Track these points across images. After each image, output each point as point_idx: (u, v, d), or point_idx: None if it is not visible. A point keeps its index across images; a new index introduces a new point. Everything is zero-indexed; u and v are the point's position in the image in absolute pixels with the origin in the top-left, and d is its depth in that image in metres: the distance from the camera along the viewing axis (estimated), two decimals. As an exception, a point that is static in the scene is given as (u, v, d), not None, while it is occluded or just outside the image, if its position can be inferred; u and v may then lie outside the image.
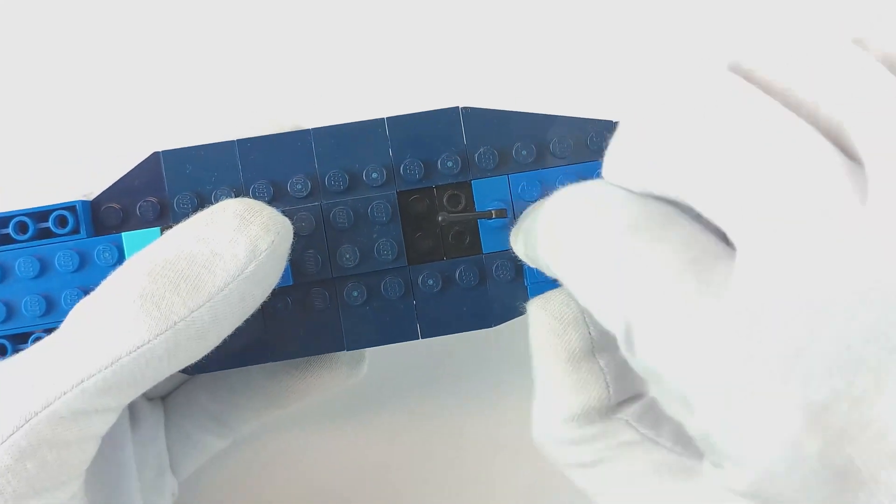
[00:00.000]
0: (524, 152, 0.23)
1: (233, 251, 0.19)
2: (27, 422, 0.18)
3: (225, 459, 0.28)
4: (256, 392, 0.25)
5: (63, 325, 0.19)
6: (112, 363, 0.18)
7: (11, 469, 0.18)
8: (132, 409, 0.25)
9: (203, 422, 0.26)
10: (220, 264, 0.19)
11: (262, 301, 0.20)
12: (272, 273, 0.20)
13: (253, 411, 0.25)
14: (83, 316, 0.19)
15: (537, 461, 0.29)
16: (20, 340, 0.23)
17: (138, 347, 0.18)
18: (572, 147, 0.23)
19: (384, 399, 0.30)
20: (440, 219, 0.23)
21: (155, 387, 0.20)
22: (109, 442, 0.23)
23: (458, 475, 0.30)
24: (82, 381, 0.18)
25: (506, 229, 0.23)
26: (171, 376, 0.21)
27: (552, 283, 0.22)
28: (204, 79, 0.30)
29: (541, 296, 0.22)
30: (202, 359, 0.20)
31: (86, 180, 0.24)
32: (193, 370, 0.21)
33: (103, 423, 0.19)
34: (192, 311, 0.19)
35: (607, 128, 0.23)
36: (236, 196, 0.23)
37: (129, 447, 0.23)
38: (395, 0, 0.30)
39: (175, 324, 0.19)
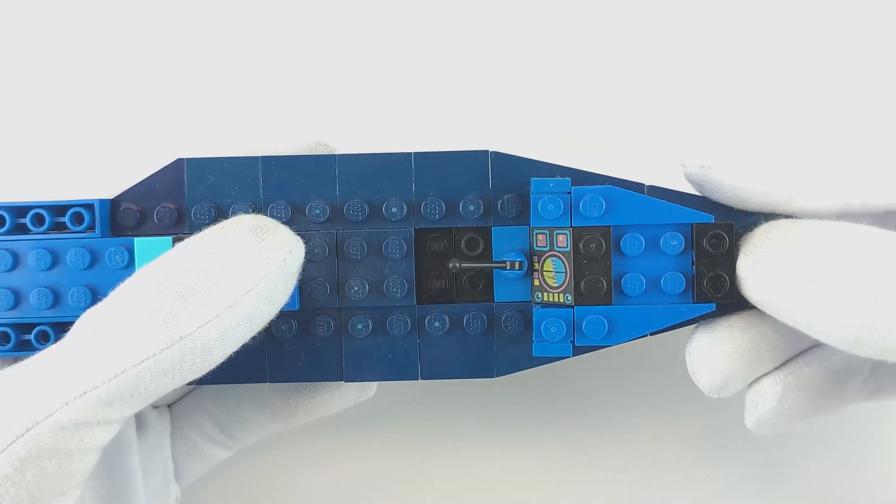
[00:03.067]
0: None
1: (243, 267, 0.19)
2: (28, 431, 0.18)
3: (227, 467, 0.28)
4: (264, 407, 0.25)
5: (69, 334, 0.19)
6: (116, 375, 0.18)
7: (10, 478, 0.18)
8: (139, 416, 0.25)
9: (209, 432, 0.25)
10: (230, 280, 0.19)
11: (269, 320, 0.20)
12: (282, 292, 0.20)
13: (259, 425, 0.25)
14: (90, 326, 0.19)
15: (539, 465, 0.29)
16: (24, 330, 0.23)
17: (143, 361, 0.18)
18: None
19: (387, 409, 0.30)
20: (451, 265, 0.22)
21: (162, 395, 0.20)
22: (116, 449, 0.23)
23: (460, 485, 0.30)
24: (85, 392, 0.18)
25: (520, 281, 0.23)
26: (179, 385, 0.21)
27: (560, 345, 0.22)
28: (239, 91, 0.30)
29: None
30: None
31: (110, 180, 0.23)
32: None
33: (105, 435, 0.19)
34: (200, 327, 0.19)
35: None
36: (253, 212, 0.23)
37: (135, 454, 0.23)
38: (445, 41, 0.30)
39: (182, 338, 0.18)
